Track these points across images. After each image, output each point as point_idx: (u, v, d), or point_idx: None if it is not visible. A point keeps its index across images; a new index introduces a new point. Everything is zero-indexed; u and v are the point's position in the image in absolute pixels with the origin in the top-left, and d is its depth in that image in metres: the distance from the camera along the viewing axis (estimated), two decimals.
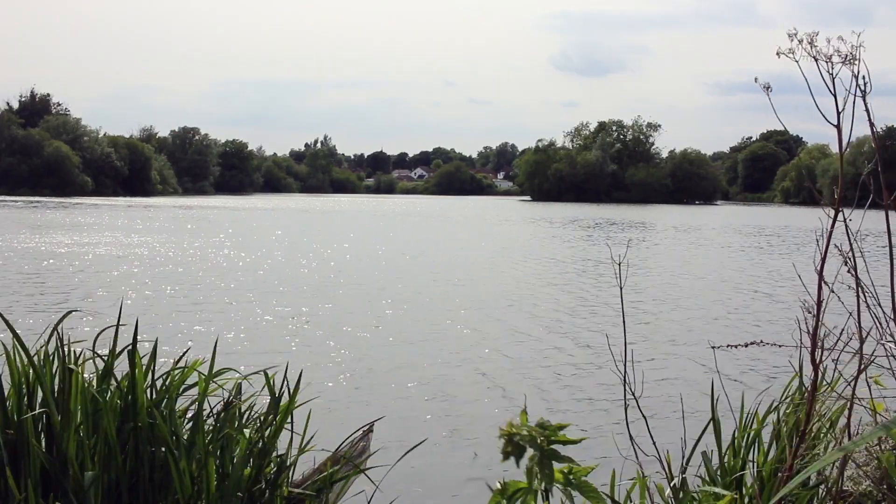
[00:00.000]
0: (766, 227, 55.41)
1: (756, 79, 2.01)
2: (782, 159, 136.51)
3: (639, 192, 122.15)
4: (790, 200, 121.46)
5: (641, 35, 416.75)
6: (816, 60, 1.89)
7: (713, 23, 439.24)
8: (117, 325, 4.05)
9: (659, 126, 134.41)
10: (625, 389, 3.28)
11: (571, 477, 2.32)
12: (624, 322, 3.49)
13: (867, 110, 1.93)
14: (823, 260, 2.08)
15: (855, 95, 1.94)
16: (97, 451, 3.90)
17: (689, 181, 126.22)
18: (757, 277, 23.74)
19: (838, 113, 1.99)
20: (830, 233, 2.05)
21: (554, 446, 2.22)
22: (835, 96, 1.96)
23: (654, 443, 3.54)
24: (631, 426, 3.38)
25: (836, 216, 2.03)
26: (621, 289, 3.14)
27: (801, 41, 1.90)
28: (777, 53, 1.88)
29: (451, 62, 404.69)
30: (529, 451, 2.04)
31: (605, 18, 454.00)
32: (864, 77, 1.92)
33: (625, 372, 3.23)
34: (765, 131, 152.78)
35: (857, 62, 1.88)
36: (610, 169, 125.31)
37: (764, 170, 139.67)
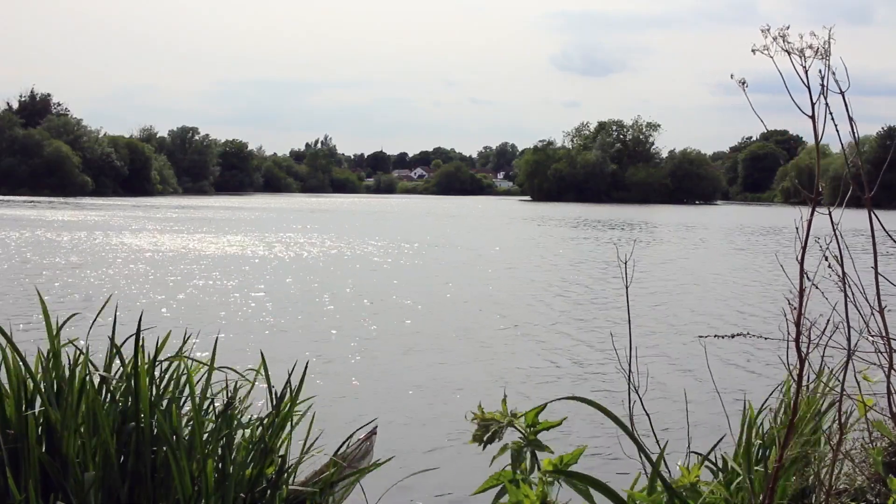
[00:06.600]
0: (766, 226, 55.47)
1: (732, 75, 2.07)
2: (782, 159, 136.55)
3: (639, 192, 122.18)
4: (790, 200, 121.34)
5: (643, 35, 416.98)
6: (789, 54, 1.95)
7: (714, 22, 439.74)
8: (141, 330, 4.00)
9: (659, 126, 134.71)
10: (629, 388, 3.30)
11: (560, 466, 2.32)
12: (629, 322, 3.50)
13: (846, 106, 1.99)
14: (804, 249, 2.14)
15: (827, 88, 2.00)
16: (98, 452, 3.87)
17: (688, 181, 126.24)
18: (757, 273, 23.81)
19: (812, 104, 2.05)
20: (810, 223, 2.11)
21: (539, 435, 2.23)
22: (808, 88, 2.02)
23: (657, 440, 3.58)
24: (637, 424, 3.41)
25: (813, 207, 2.09)
26: (626, 288, 3.16)
27: (774, 38, 1.96)
28: (752, 50, 1.94)
29: (451, 62, 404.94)
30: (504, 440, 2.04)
31: (606, 18, 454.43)
32: (833, 71, 1.99)
33: (629, 371, 3.24)
34: (765, 131, 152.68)
35: (828, 56, 1.94)
36: (610, 169, 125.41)
37: (764, 170, 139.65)
